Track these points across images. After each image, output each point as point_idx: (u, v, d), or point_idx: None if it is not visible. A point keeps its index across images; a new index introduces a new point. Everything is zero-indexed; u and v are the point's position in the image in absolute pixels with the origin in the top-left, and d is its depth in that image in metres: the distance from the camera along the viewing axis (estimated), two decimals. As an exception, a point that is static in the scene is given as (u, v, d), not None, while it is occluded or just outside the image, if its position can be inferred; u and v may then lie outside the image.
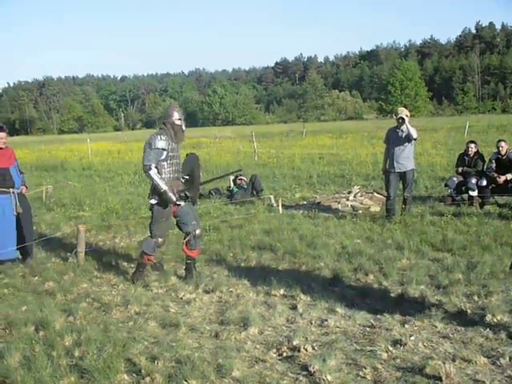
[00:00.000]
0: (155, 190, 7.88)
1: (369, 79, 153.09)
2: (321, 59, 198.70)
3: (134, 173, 23.95)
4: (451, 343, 5.65)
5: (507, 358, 5.17)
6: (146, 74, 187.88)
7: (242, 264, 8.81)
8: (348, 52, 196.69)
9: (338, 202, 13.77)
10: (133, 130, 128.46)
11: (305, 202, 14.76)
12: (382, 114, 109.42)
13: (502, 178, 12.66)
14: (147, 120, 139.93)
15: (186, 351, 5.57)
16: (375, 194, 14.27)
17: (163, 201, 7.85)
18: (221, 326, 6.38)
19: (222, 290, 7.65)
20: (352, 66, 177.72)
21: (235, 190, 15.81)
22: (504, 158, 12.92)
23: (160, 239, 8.14)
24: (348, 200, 13.85)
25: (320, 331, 6.09)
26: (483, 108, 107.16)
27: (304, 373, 5.07)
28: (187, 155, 8.48)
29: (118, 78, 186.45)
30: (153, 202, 7.97)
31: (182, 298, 7.46)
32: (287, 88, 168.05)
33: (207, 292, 7.67)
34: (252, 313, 6.56)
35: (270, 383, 4.86)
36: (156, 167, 7.78)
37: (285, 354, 5.52)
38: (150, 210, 8.17)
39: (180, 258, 9.25)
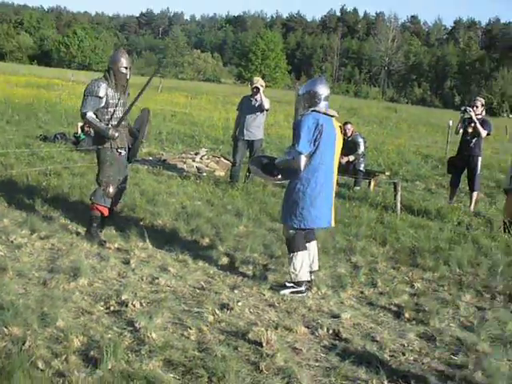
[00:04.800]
0: (96, 135, 7.60)
1: (232, 44, 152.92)
2: (187, 17, 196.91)
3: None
4: (276, 312, 5.85)
5: (325, 329, 5.45)
6: (0, 2, 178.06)
7: (80, 213, 8.54)
8: (215, 14, 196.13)
9: (184, 162, 13.79)
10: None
11: (151, 158, 14.62)
12: (240, 80, 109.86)
13: (344, 159, 13.11)
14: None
15: (11, 297, 5.42)
16: (222, 158, 14.43)
17: (101, 138, 7.50)
18: (50, 273, 6.24)
19: (56, 237, 7.49)
20: (217, 28, 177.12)
21: (82, 137, 15.40)
22: (349, 139, 13.41)
23: (110, 188, 7.53)
24: (194, 161, 13.92)
25: (150, 288, 6.12)
26: (337, 89, 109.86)
27: (130, 328, 5.09)
28: (141, 110, 8.04)
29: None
30: (97, 146, 7.62)
31: (12, 242, 7.19)
32: (149, 41, 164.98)
33: (41, 238, 7.46)
34: (84, 263, 6.46)
35: (93, 336, 4.84)
36: (95, 114, 7.45)
37: (112, 308, 5.50)
38: (97, 158, 7.73)
39: (14, 200, 8.94)
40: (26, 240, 7.31)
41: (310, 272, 6.57)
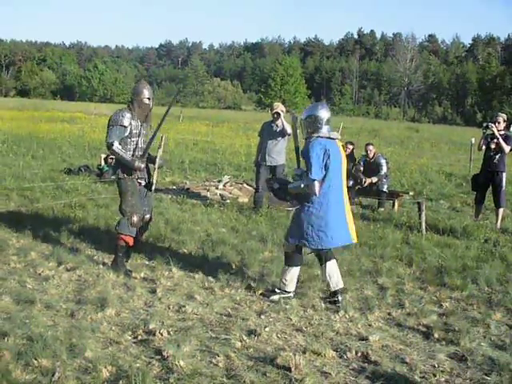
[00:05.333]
0: (119, 164, 7.62)
1: (251, 71, 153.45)
2: (205, 46, 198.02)
3: (2, 142, 23.02)
4: (303, 336, 5.82)
5: (354, 352, 5.40)
6: (24, 41, 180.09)
7: (105, 244, 8.61)
8: (233, 42, 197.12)
9: (208, 190, 13.84)
10: (5, 96, 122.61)
11: (174, 187, 14.73)
12: (261, 106, 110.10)
13: (367, 181, 13.11)
14: (22, 88, 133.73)
15: (39, 329, 5.44)
16: (245, 185, 14.45)
17: (123, 169, 7.53)
18: (78, 305, 6.28)
19: (82, 269, 7.53)
20: (236, 56, 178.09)
21: (106, 168, 15.55)
22: (371, 160, 13.41)
23: (134, 217, 7.51)
24: (217, 188, 13.95)
25: (177, 317, 6.12)
26: (358, 111, 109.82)
27: (157, 357, 5.09)
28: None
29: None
30: (117, 176, 7.63)
31: (40, 274, 7.27)
32: (169, 71, 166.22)
33: (67, 270, 7.52)
34: (110, 294, 6.51)
35: (122, 365, 4.84)
36: (120, 144, 7.50)
37: (140, 338, 5.51)
38: (118, 188, 7.75)
39: (41, 233, 9.01)
40: (54, 272, 7.37)
41: (337, 291, 6.75)
